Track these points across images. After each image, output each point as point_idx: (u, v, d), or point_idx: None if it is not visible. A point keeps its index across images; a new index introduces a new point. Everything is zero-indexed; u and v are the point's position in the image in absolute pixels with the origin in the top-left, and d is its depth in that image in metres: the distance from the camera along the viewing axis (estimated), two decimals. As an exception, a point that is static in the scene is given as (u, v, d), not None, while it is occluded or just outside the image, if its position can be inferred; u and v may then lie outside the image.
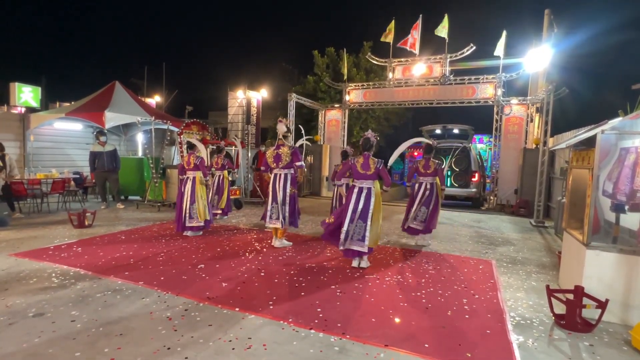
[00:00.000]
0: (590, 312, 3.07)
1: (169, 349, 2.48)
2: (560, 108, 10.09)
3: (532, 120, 10.32)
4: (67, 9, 48.39)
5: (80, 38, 49.17)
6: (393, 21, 11.22)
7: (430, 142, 6.25)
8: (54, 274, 3.86)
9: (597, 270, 3.21)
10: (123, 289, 3.53)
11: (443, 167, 5.99)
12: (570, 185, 4.05)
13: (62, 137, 10.84)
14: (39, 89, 12.19)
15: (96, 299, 3.26)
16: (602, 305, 2.95)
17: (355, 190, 4.47)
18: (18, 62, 34.67)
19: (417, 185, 5.88)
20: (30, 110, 11.18)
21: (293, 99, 12.07)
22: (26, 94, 11.69)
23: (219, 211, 7.41)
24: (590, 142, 3.43)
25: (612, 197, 3.31)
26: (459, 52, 10.55)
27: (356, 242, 4.39)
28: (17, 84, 11.44)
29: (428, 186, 5.73)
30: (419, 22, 10.77)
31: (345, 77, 12.65)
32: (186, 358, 2.38)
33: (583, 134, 3.75)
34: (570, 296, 3.13)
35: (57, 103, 14.17)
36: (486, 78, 10.48)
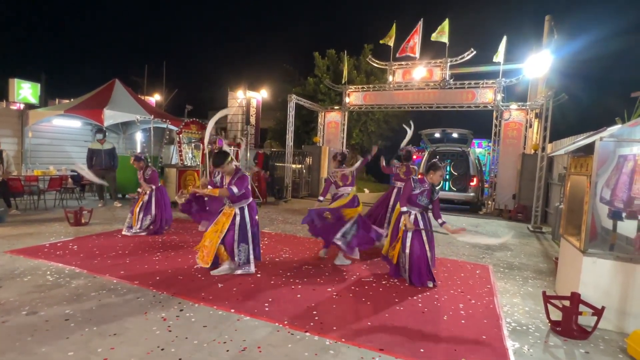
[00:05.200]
0: (586, 319, 3.07)
1: (162, 349, 2.46)
2: (560, 114, 10.11)
3: (531, 126, 10.34)
4: (67, 6, 48.36)
5: (81, 35, 49.13)
6: (394, 25, 11.25)
7: (409, 148, 6.24)
8: (48, 272, 3.84)
9: (594, 277, 3.21)
10: (118, 288, 3.51)
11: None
12: (568, 192, 4.05)
13: (61, 134, 10.79)
14: (38, 85, 12.16)
15: (91, 298, 3.24)
16: (598, 312, 2.95)
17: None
18: (18, 58, 34.62)
19: (395, 190, 6.01)
20: (29, 106, 11.12)
21: (293, 100, 12.06)
22: (25, 90, 11.65)
23: None
24: (588, 149, 3.43)
25: (610, 204, 3.31)
26: (459, 57, 10.56)
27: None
28: (16, 80, 11.40)
29: None
30: (420, 25, 10.79)
31: (346, 79, 12.65)
32: (180, 359, 2.36)
33: (581, 140, 3.76)
34: (567, 303, 3.13)
35: (56, 100, 14.09)
36: (486, 83, 10.50)
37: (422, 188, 4.02)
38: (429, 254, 4.02)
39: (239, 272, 4.05)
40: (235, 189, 3.87)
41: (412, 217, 4.05)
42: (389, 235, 4.36)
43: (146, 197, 5.86)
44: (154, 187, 5.93)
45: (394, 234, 4.22)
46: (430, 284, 3.99)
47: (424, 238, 4.03)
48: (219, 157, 3.98)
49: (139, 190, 6.02)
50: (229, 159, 3.99)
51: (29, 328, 2.66)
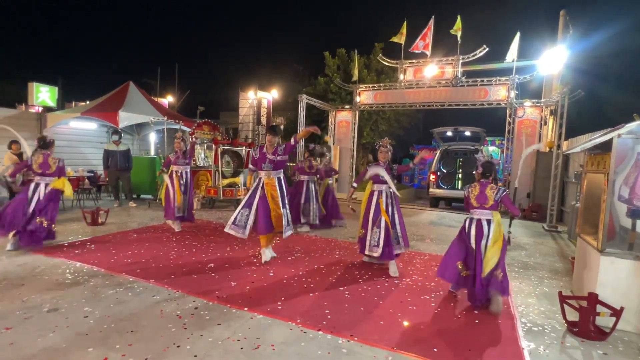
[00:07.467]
0: (604, 320, 3.01)
1: (178, 346, 2.51)
2: (576, 110, 9.89)
3: (545, 123, 10.14)
4: (82, 11, 49.46)
5: (96, 39, 50.23)
6: (405, 23, 11.17)
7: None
8: (68, 271, 3.94)
9: (612, 277, 3.14)
10: (134, 286, 3.59)
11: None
12: (584, 190, 3.97)
13: (77, 136, 11.05)
14: (56, 88, 12.43)
15: (108, 296, 3.32)
16: (616, 313, 2.88)
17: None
18: (36, 62, 35.60)
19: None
20: (47, 109, 11.41)
21: (303, 100, 12.09)
22: (43, 94, 11.93)
23: None
24: (606, 146, 3.36)
25: (629, 203, 3.23)
26: (472, 54, 10.43)
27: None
28: (35, 83, 11.68)
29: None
30: (432, 23, 10.69)
31: (356, 78, 12.62)
32: (195, 356, 2.40)
33: (598, 137, 3.67)
34: (584, 303, 3.07)
35: (73, 103, 14.44)
36: (499, 80, 10.33)
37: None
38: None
39: (288, 233, 4.57)
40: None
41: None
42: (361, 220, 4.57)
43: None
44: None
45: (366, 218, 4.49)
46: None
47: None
48: (278, 129, 4.85)
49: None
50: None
51: (50, 324, 2.74)
